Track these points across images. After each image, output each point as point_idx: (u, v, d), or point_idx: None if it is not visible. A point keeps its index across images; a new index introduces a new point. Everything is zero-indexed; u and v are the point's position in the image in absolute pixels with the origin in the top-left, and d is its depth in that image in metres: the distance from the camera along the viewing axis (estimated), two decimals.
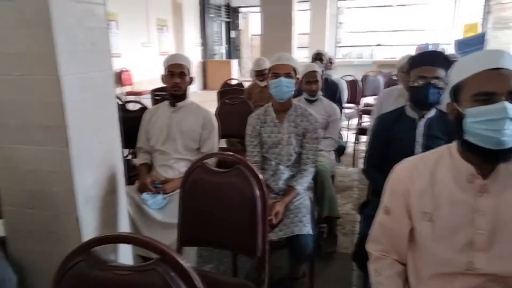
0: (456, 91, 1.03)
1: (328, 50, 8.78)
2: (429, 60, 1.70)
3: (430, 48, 7.65)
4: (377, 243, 1.18)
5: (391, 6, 10.93)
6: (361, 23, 11.50)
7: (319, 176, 2.25)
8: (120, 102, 3.02)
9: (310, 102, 2.89)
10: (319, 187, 2.28)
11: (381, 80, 5.39)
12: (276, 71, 1.94)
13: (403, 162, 1.15)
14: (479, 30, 9.12)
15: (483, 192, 1.01)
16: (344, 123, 4.56)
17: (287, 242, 1.77)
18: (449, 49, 7.47)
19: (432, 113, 1.79)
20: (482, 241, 1.00)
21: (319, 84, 2.87)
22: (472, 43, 7.06)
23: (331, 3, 9.53)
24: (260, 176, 1.43)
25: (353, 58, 10.81)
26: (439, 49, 7.42)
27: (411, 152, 1.72)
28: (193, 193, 1.45)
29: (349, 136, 4.82)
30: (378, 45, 11.12)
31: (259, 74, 3.78)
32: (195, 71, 10.58)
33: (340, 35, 11.35)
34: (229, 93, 3.78)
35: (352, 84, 4.93)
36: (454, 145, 1.07)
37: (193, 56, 10.41)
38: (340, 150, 3.21)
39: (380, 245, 1.18)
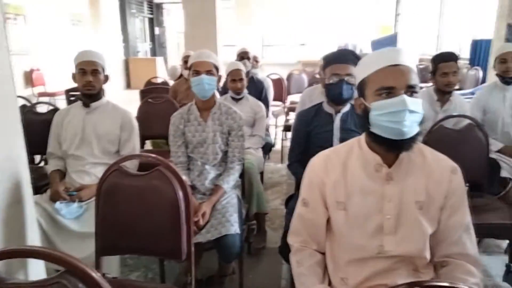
0: (362, 86, 1.09)
1: (254, 49, 8.91)
2: (340, 58, 1.81)
3: (350, 47, 8.14)
4: (297, 235, 1.22)
5: (313, 6, 11.41)
6: (286, 22, 11.84)
7: (246, 174, 2.26)
8: (28, 104, 2.76)
9: (236, 100, 2.91)
10: (247, 184, 2.29)
11: (305, 78, 5.61)
12: (197, 69, 1.91)
13: (318, 155, 1.20)
14: (392, 31, 9.94)
15: (389, 180, 1.08)
16: (272, 120, 4.66)
17: (214, 243, 1.75)
18: (368, 49, 8.04)
19: (347, 108, 1.90)
20: (390, 225, 1.08)
21: (244, 82, 2.90)
22: (386, 43, 7.64)
23: (255, 2, 9.68)
24: (183, 177, 1.40)
25: (279, 56, 11.10)
26: (357, 49, 7.93)
27: (330, 145, 1.80)
28: (109, 199, 1.37)
29: (277, 133, 4.95)
30: (302, 44, 11.56)
31: (187, 60, 3.70)
32: (117, 69, 10.04)
33: (266, 34, 11.58)
34: (153, 92, 3.65)
35: (278, 82, 5.05)
36: (363, 137, 1.14)
37: (114, 54, 9.87)
38: (267, 147, 3.27)
39: (300, 236, 1.21)
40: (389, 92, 1.01)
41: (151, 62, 10.60)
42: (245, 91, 2.96)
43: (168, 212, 1.35)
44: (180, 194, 1.36)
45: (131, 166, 1.84)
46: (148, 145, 3.45)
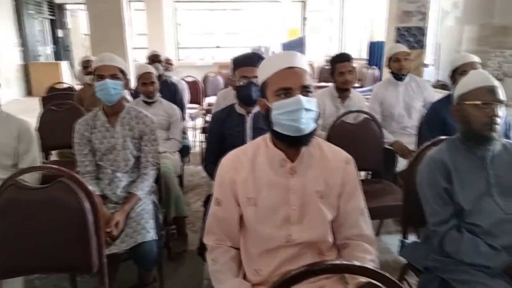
0: (264, 88, 1.16)
1: (169, 51, 8.75)
2: (248, 61, 1.89)
3: (263, 50, 8.41)
4: (212, 234, 1.25)
5: (225, 9, 11.56)
6: (200, 25, 11.81)
7: (162, 178, 2.23)
8: None
9: (148, 104, 2.84)
10: (163, 189, 2.26)
11: (221, 80, 5.68)
12: (101, 73, 1.83)
13: (227, 155, 1.24)
14: (300, 34, 10.53)
15: (293, 174, 1.17)
16: (190, 123, 4.63)
17: (131, 253, 1.69)
18: (279, 51, 8.39)
19: (257, 108, 1.98)
20: (295, 215, 1.17)
21: (156, 85, 2.84)
22: (295, 45, 8.06)
23: (166, 3, 9.50)
24: (89, 186, 1.33)
25: (195, 59, 11.03)
26: (269, 51, 8.23)
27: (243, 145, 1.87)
28: (6, 217, 1.25)
29: (196, 136, 4.93)
30: (217, 47, 11.64)
31: (87, 65, 3.52)
32: (14, 75, 9.08)
33: (180, 37, 11.42)
34: (57, 98, 3.38)
35: (193, 84, 5.03)
36: (268, 135, 1.21)
37: (9, 59, 8.90)
38: (185, 150, 3.25)
39: (215, 235, 1.24)
40: (287, 92, 1.10)
41: (55, 66, 9.76)
42: (158, 94, 2.91)
43: (75, 225, 1.28)
44: (87, 205, 1.30)
45: (31, 179, 1.69)
46: (55, 156, 3.20)
